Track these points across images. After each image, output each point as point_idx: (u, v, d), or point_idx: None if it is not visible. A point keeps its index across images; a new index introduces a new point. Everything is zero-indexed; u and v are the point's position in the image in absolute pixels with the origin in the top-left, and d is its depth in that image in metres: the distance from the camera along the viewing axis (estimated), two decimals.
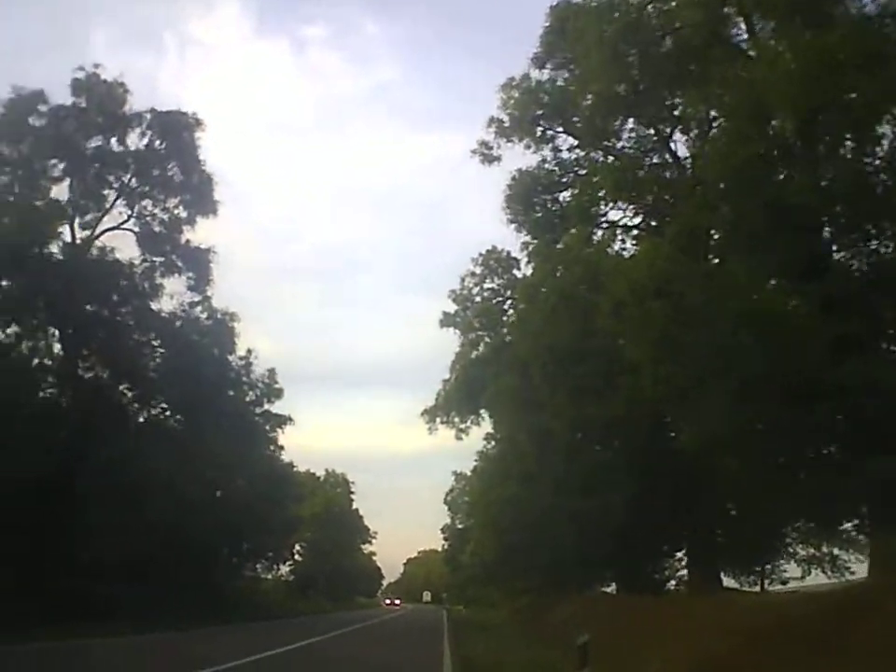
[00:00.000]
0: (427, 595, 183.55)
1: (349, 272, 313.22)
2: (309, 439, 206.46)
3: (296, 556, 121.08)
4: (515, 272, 57.88)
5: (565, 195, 47.63)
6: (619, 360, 33.89)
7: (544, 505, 48.54)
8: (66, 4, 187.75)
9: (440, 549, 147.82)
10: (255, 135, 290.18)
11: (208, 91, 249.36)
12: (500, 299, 59.41)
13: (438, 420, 66.54)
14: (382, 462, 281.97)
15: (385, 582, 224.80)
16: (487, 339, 59.99)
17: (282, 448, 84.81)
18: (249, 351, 64.80)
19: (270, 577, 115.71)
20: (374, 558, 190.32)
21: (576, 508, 42.77)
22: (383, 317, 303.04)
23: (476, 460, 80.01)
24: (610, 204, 41.61)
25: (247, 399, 66.65)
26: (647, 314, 28.31)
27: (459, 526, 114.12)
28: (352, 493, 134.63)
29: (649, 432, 38.92)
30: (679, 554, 48.49)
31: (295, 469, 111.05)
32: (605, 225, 43.19)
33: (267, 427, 69.17)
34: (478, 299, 60.17)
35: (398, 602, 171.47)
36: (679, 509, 40.04)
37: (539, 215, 47.47)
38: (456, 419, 66.57)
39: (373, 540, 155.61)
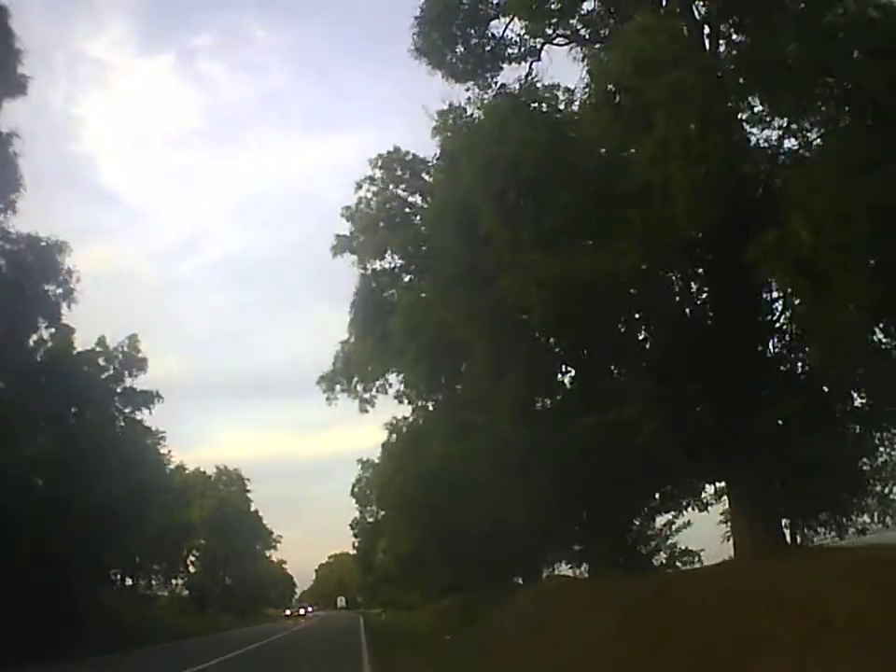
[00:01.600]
0: (341, 601, 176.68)
1: (251, 281, 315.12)
2: (217, 451, 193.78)
3: (190, 567, 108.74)
4: (425, 175, 46.11)
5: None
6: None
7: (475, 473, 39.86)
8: None
9: (352, 551, 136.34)
10: (150, 150, 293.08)
11: (101, 110, 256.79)
12: (409, 210, 47.53)
13: (338, 388, 57.08)
14: (288, 470, 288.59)
15: (298, 591, 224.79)
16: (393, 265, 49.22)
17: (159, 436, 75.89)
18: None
19: (166, 593, 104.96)
20: (285, 566, 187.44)
21: (524, 462, 31.85)
22: (285, 325, 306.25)
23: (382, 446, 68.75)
24: None
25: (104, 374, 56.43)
26: None
27: (369, 520, 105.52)
28: (248, 491, 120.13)
29: None
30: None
31: (177, 465, 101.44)
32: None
33: (127, 409, 57.14)
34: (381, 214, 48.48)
35: (310, 610, 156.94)
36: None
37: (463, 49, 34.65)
38: (359, 386, 57.14)
39: (279, 545, 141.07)
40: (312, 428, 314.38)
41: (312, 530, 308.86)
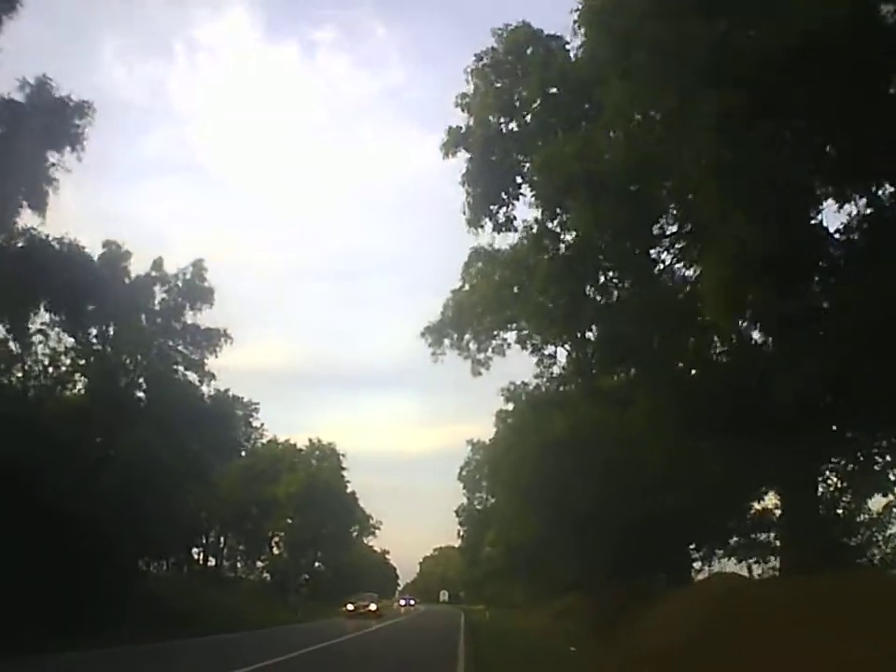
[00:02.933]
0: (443, 595, 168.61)
1: (367, 275, 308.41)
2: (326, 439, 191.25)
3: (275, 549, 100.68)
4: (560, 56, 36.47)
5: None
6: None
7: (615, 444, 36.36)
8: (76, 11, 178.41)
9: (457, 545, 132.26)
10: (265, 138, 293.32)
11: (218, 96, 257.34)
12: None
13: (446, 342, 49.70)
14: (397, 463, 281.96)
15: (401, 583, 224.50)
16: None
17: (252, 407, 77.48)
18: None
19: (252, 576, 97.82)
20: (388, 557, 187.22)
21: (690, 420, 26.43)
22: (397, 319, 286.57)
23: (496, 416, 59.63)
24: None
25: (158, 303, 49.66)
26: None
27: (478, 508, 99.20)
28: (343, 469, 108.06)
29: None
30: None
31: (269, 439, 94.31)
32: None
33: (188, 349, 50.20)
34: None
35: (413, 603, 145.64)
36: None
37: None
38: (472, 343, 49.78)
39: (377, 532, 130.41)
40: (425, 422, 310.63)
41: (419, 524, 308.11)
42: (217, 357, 51.84)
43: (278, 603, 77.84)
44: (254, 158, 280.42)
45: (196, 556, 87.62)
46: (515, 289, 45.14)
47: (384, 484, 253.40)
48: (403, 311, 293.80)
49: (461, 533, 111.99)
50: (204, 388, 53.01)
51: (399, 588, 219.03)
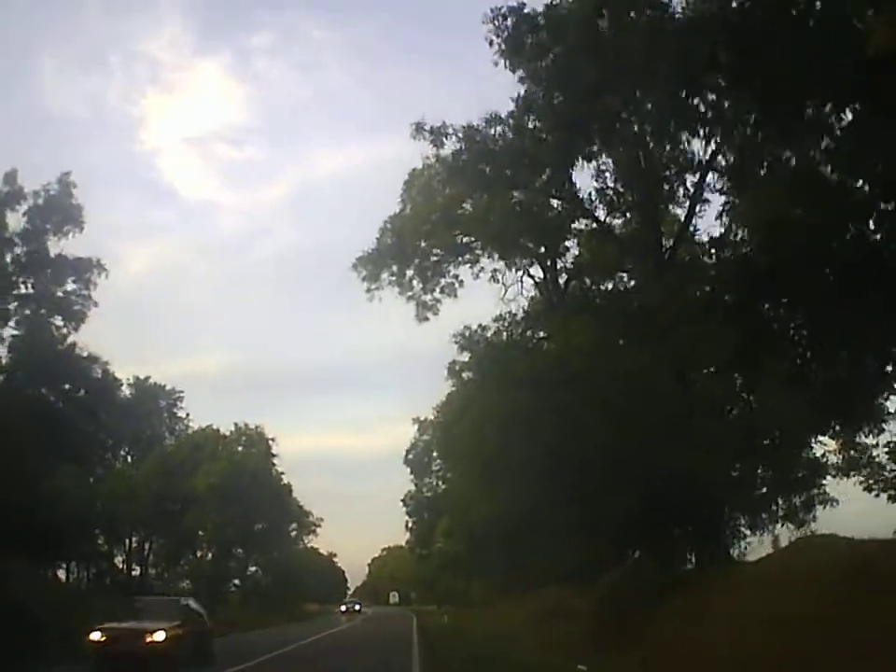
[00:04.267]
0: (393, 597, 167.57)
1: (304, 277, 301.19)
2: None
3: (198, 552, 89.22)
4: None
5: None
6: None
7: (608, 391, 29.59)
8: (15, 25, 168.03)
9: (405, 544, 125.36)
10: (205, 147, 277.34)
11: (159, 108, 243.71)
12: None
13: (384, 276, 43.54)
14: (341, 467, 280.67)
15: (351, 587, 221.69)
16: None
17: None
18: None
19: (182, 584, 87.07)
20: (336, 560, 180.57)
21: None
22: (340, 322, 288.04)
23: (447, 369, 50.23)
24: None
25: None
26: None
27: (427, 495, 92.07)
28: (274, 455, 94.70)
29: None
30: None
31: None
32: None
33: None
34: None
35: (357, 608, 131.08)
36: None
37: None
38: (416, 282, 44.06)
39: (318, 531, 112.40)
40: (367, 426, 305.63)
41: (367, 527, 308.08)
42: (89, 292, 42.25)
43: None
44: (196, 167, 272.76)
45: (120, 565, 79.96)
46: (468, 205, 39.41)
47: (330, 488, 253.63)
48: (346, 312, 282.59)
49: (409, 525, 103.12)
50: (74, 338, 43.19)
51: (350, 592, 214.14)
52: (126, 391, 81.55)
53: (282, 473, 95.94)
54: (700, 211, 32.83)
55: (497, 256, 40.54)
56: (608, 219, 35.39)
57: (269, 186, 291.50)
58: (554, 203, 36.29)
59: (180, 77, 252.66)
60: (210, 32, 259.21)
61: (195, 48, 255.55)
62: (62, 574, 67.96)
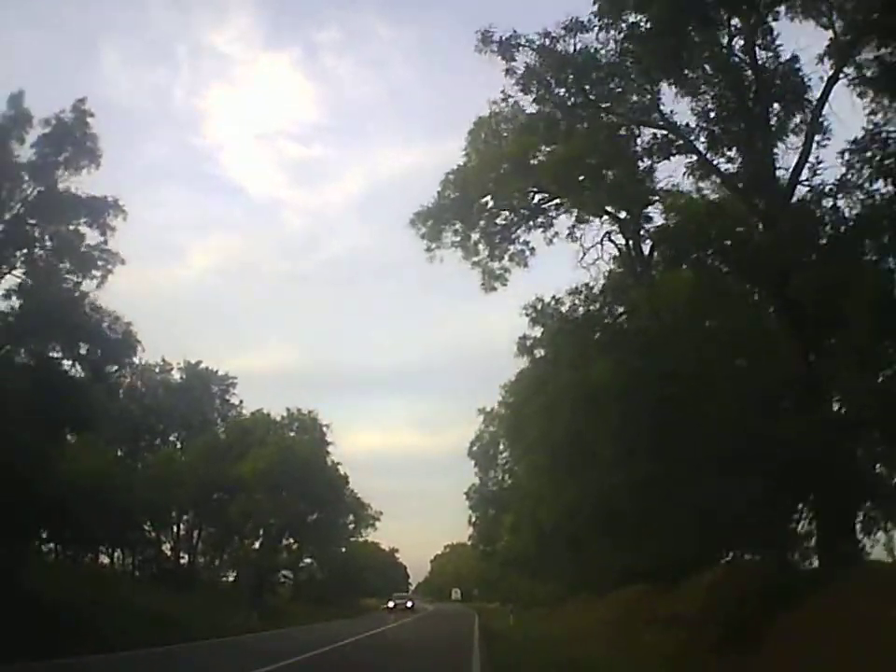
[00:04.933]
0: (455, 593, 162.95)
1: (370, 278, 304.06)
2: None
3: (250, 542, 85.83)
4: None
5: None
6: None
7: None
8: (79, 19, 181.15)
9: (468, 540, 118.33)
10: (272, 143, 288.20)
11: (224, 101, 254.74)
12: None
13: (447, 236, 39.11)
14: (408, 466, 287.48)
15: (413, 583, 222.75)
16: None
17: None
18: None
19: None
20: (398, 556, 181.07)
21: None
22: (408, 323, 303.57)
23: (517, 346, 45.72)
24: None
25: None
26: None
27: (492, 488, 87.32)
28: (328, 443, 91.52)
29: None
30: None
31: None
32: None
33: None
34: None
35: (409, 605, 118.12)
36: None
37: None
38: (482, 246, 39.38)
39: (377, 524, 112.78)
40: (435, 426, 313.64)
41: (432, 525, 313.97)
42: (105, 238, 38.55)
43: (244, 606, 62.89)
44: (260, 163, 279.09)
45: (169, 553, 76.55)
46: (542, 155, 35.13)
47: (396, 487, 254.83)
48: (415, 314, 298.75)
49: (472, 519, 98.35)
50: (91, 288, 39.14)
51: (412, 588, 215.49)
52: (177, 375, 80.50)
53: (338, 464, 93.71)
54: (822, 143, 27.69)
55: (574, 212, 36.29)
56: (710, 155, 30.23)
57: (335, 184, 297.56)
58: (647, 131, 31.44)
59: (247, 71, 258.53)
60: (279, 27, 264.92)
61: (263, 42, 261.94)
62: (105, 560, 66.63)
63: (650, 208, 36.26)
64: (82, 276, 37.85)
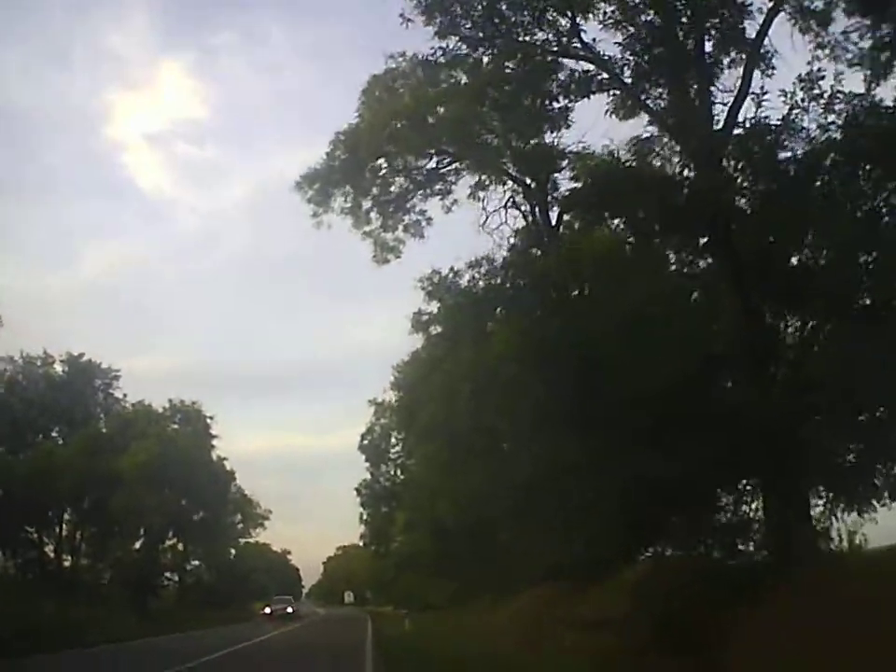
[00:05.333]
0: (348, 597, 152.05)
1: (263, 279, 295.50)
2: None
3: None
4: None
5: None
6: None
7: None
8: None
9: (360, 539, 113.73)
10: (166, 144, 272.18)
11: (121, 104, 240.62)
12: None
13: (336, 200, 36.38)
14: (297, 468, 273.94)
15: (306, 586, 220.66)
16: None
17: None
18: None
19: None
20: (290, 557, 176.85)
21: None
22: (296, 324, 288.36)
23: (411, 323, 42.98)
24: None
25: None
26: None
27: (385, 484, 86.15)
28: (213, 436, 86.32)
29: None
30: None
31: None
32: None
33: None
34: None
35: (290, 610, 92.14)
36: None
37: None
38: (374, 215, 36.95)
39: (266, 524, 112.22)
40: (322, 428, 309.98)
41: (324, 528, 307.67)
42: None
43: (121, 611, 58.79)
44: (159, 164, 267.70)
45: (52, 555, 73.11)
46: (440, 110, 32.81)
47: (286, 488, 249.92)
48: (302, 315, 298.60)
49: (364, 517, 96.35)
50: None
51: (304, 591, 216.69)
52: (59, 368, 77.40)
53: (224, 459, 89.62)
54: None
55: (476, 177, 33.78)
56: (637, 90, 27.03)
57: (227, 185, 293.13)
58: (565, 64, 28.23)
59: (143, 73, 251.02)
60: (174, 30, 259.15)
61: (159, 44, 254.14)
62: None
63: (557, 176, 34.00)
64: None
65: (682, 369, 20.01)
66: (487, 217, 35.07)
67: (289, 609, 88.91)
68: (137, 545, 79.90)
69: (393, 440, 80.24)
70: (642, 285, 22.52)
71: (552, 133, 31.53)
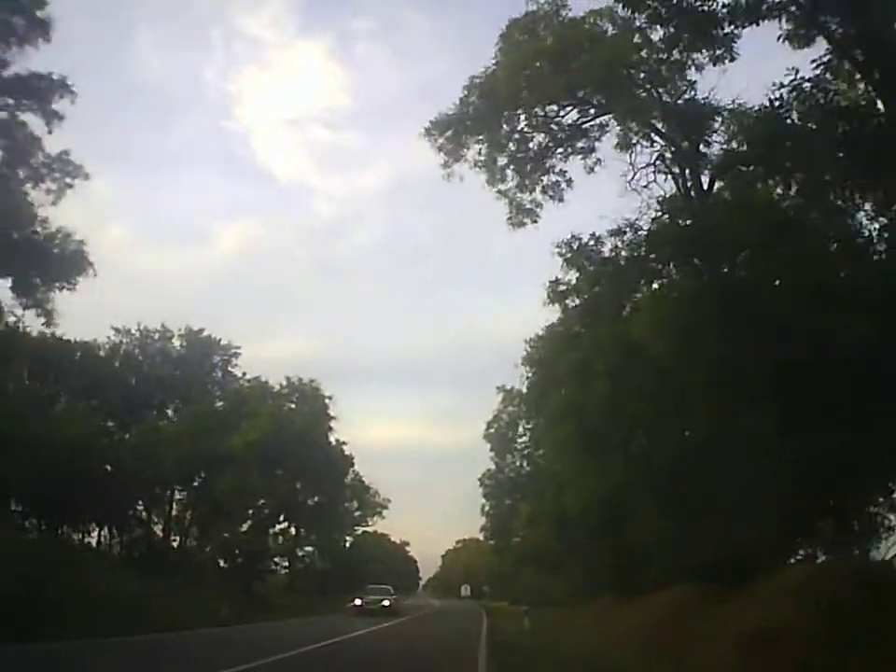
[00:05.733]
0: (465, 590, 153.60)
1: (400, 266, 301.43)
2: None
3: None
4: None
5: None
6: None
7: None
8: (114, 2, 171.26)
9: (480, 531, 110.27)
10: (302, 129, 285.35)
11: (256, 85, 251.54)
12: None
13: (468, 151, 33.62)
14: (423, 458, 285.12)
15: (423, 578, 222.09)
16: None
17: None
18: None
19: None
20: (408, 549, 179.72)
21: None
22: (428, 312, 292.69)
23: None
24: None
25: None
26: None
27: (509, 475, 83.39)
28: (331, 417, 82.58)
29: None
30: None
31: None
32: None
33: None
34: None
35: (387, 603, 72.03)
36: None
37: None
38: (510, 171, 33.94)
39: (384, 513, 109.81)
40: (447, 419, 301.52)
41: (444, 518, 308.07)
42: (50, 127, 32.79)
43: (227, 595, 56.58)
44: (291, 149, 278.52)
45: (160, 534, 71.11)
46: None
47: (410, 479, 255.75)
48: (439, 303, 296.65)
49: (485, 508, 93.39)
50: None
51: (422, 582, 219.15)
52: (177, 343, 75.52)
53: (343, 443, 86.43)
54: None
55: (622, 131, 31.00)
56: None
57: (363, 172, 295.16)
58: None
59: (279, 56, 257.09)
60: (312, 13, 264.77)
61: (296, 28, 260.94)
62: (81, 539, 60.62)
63: (709, 140, 30.62)
64: (34, 185, 32.13)
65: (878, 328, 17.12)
66: (635, 174, 31.85)
67: (385, 603, 70.22)
68: (245, 527, 77.06)
69: (521, 429, 78.10)
70: (825, 247, 19.67)
71: (714, 65, 27.66)
